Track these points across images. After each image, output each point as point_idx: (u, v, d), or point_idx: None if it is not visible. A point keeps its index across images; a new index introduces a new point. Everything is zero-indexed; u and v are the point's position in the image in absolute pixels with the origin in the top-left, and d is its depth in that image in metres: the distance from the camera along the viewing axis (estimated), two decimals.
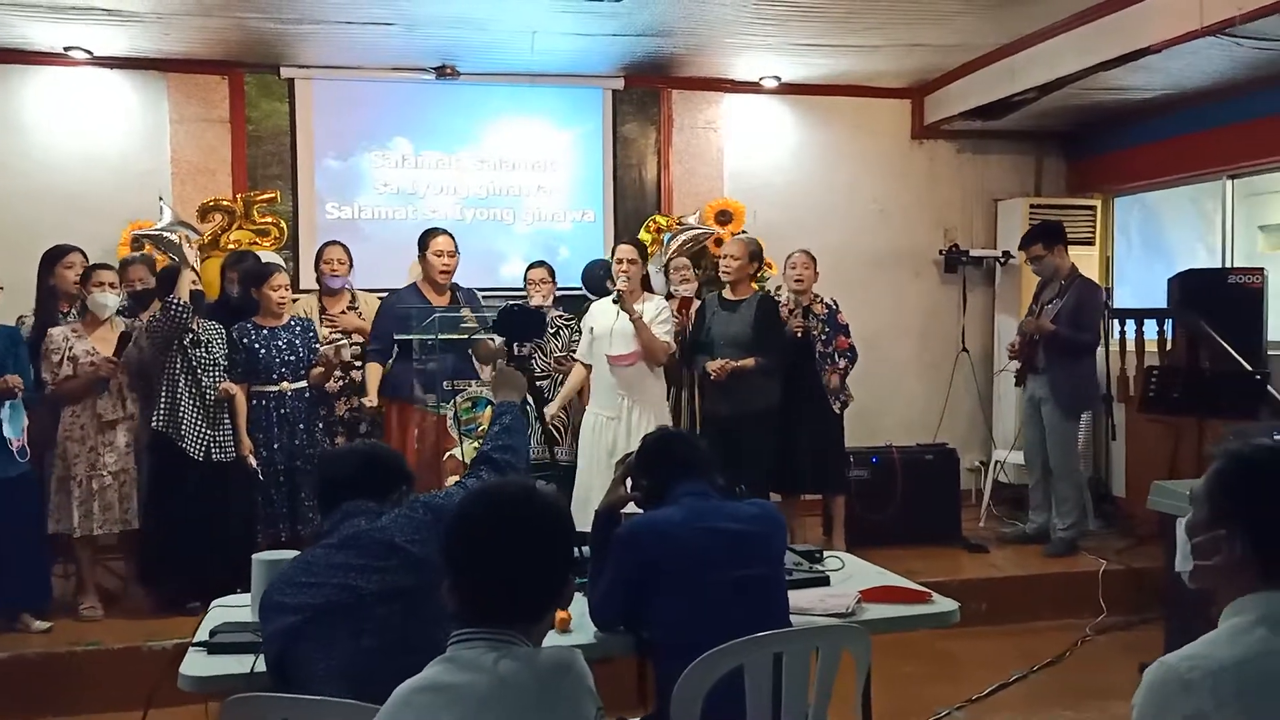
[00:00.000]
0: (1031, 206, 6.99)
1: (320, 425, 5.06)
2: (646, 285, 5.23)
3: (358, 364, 5.25)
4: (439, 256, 5.19)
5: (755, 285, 5.48)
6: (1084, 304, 5.55)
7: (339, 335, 5.25)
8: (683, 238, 6.21)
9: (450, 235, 5.30)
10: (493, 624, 1.64)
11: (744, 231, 6.30)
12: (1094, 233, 7.08)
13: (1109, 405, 6.33)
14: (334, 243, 5.50)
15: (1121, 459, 6.50)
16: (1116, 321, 6.28)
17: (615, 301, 4.77)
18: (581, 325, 5.21)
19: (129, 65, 6.05)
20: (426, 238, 5.26)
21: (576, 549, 3.14)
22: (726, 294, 5.32)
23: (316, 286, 5.55)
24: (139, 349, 4.75)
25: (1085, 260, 6.91)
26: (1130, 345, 6.20)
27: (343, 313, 5.36)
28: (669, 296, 5.67)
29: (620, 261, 4.97)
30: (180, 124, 6.14)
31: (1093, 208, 7.12)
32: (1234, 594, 1.51)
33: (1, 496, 4.40)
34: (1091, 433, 6.62)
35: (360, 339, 5.29)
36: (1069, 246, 5.82)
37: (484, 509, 1.71)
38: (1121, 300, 7.04)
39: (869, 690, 2.96)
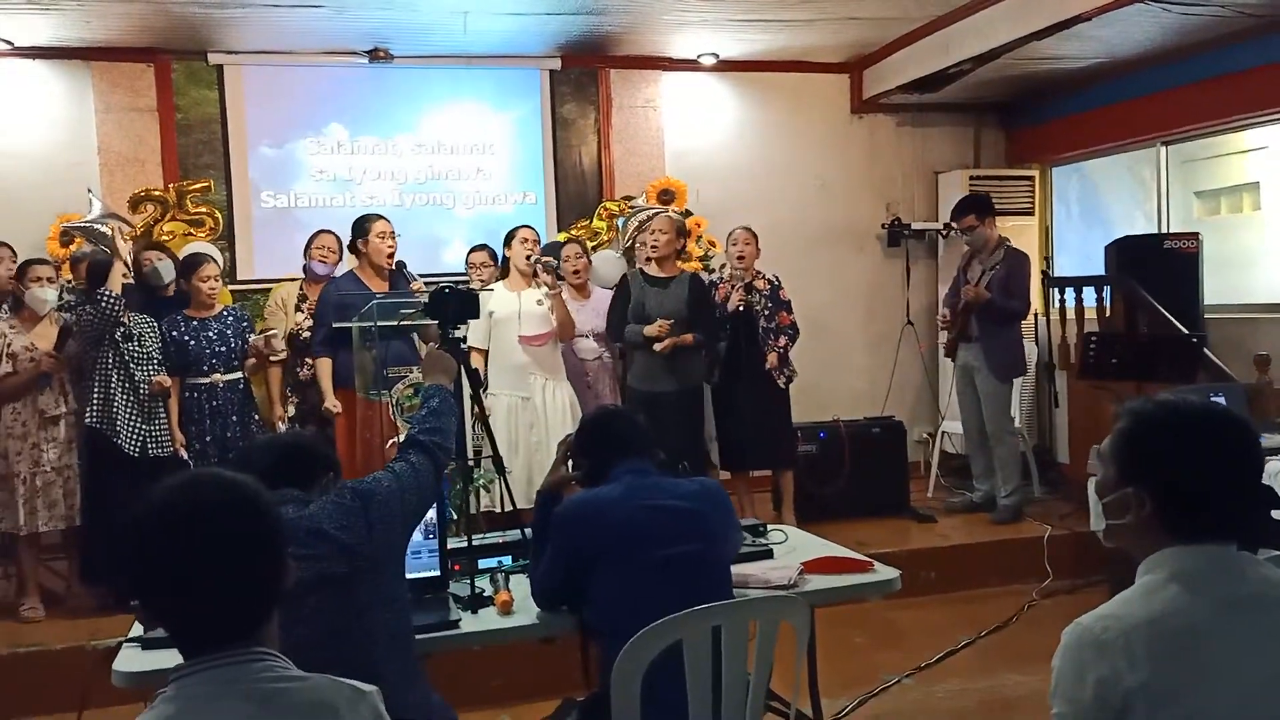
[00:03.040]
0: (971, 178, 7.04)
1: (255, 417, 5.00)
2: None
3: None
4: (383, 239, 5.10)
5: (681, 263, 5.56)
6: (1014, 273, 5.63)
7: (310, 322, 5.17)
8: (639, 218, 6.19)
9: (386, 219, 5.25)
10: (206, 649, 1.39)
11: (686, 211, 6.31)
12: (1033, 202, 7.17)
13: (1051, 373, 6.41)
14: (327, 231, 5.44)
15: (1064, 425, 6.58)
16: (1056, 290, 6.35)
17: (558, 277, 4.90)
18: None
19: (52, 55, 5.89)
20: (367, 223, 5.15)
21: (521, 531, 3.15)
22: (652, 270, 5.36)
23: (299, 274, 5.49)
24: (75, 344, 4.66)
25: (1025, 230, 7.00)
26: (1070, 313, 6.27)
27: None
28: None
29: (525, 242, 5.13)
30: (106, 114, 5.97)
31: (1031, 178, 7.19)
32: (1146, 551, 1.52)
33: None
34: (1035, 400, 6.71)
35: None
36: (1001, 217, 5.93)
37: (156, 521, 1.38)
38: (1062, 268, 7.13)
39: (814, 660, 3.00)
